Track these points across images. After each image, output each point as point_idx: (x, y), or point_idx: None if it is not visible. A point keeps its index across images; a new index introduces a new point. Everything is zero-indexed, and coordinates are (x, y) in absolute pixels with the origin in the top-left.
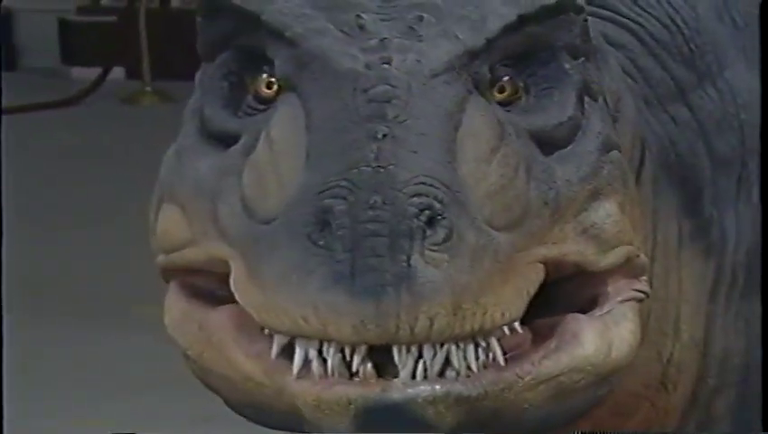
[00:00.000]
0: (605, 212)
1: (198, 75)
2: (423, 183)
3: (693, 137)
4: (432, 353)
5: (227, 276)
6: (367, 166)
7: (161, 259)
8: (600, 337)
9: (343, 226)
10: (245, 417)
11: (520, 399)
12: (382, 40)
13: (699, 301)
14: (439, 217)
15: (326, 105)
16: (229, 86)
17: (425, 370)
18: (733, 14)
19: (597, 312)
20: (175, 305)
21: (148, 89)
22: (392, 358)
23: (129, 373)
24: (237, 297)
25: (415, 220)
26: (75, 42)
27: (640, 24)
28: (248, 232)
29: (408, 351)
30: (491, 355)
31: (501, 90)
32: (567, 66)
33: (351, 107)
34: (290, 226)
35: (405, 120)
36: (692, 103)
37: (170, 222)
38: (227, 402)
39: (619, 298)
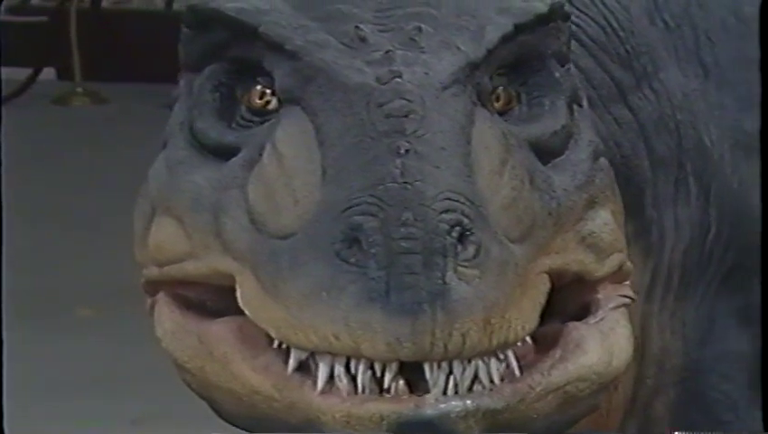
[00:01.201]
0: (602, 221)
1: (181, 85)
2: (450, 199)
3: (635, 138)
4: (461, 368)
5: (224, 288)
6: (393, 182)
7: (153, 271)
8: (601, 346)
9: (377, 243)
10: (244, 429)
11: (531, 409)
12: (387, 52)
13: (636, 301)
14: (468, 233)
15: (338, 120)
16: (219, 97)
17: (455, 385)
18: (664, 15)
19: (591, 319)
20: (168, 317)
21: (79, 89)
22: (420, 373)
23: (61, 375)
24: (248, 312)
25: (447, 236)
26: (5, 42)
27: (577, 26)
28: (260, 247)
29: (440, 367)
30: (507, 368)
31: (497, 100)
32: (557, 74)
33: (367, 122)
34: (315, 242)
35: (424, 135)
36: (632, 104)
37: (165, 236)
38: (223, 414)
39: (611, 305)
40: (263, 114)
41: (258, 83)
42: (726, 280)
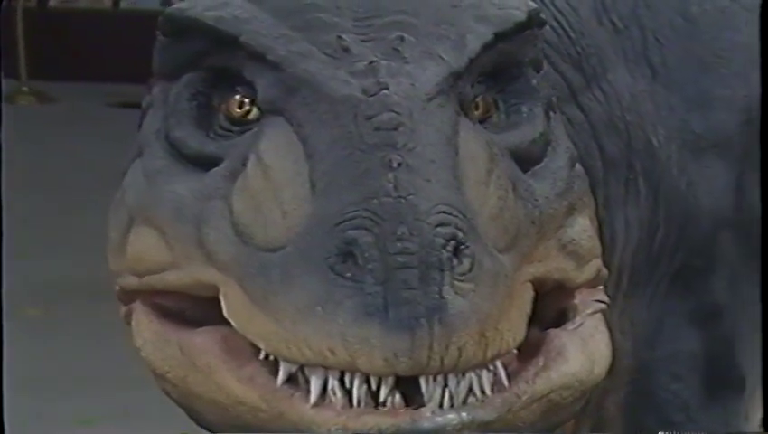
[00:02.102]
0: (580, 228)
1: (154, 92)
2: (443, 212)
3: (587, 139)
4: (456, 381)
5: (203, 298)
6: (387, 196)
7: (131, 281)
8: (582, 353)
9: (373, 258)
10: None
11: (517, 418)
12: (371, 63)
13: None
14: (462, 246)
15: (326, 132)
16: (197, 106)
17: (450, 398)
18: (612, 16)
19: (570, 326)
20: (147, 327)
21: (25, 88)
22: (415, 386)
23: (9, 375)
24: (235, 324)
25: (443, 250)
26: None
27: None
28: (247, 259)
29: (435, 380)
30: (494, 377)
31: (476, 108)
32: (534, 81)
33: (356, 134)
34: (307, 256)
35: (414, 148)
36: (583, 105)
37: (145, 246)
38: (205, 424)
39: (588, 311)
40: (242, 123)
41: (237, 92)
42: (676, 280)
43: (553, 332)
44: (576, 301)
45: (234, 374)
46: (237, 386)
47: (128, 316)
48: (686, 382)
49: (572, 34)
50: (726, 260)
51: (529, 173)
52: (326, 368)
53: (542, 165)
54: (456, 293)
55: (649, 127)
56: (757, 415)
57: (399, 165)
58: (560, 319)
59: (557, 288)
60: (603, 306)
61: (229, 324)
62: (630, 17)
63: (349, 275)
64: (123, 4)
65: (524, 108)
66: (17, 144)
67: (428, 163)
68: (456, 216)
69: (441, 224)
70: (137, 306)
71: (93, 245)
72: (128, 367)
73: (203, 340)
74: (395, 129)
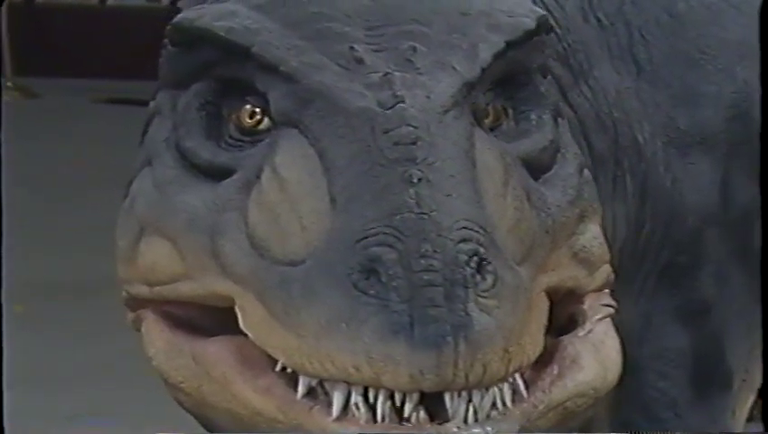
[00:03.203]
0: (591, 235)
1: (158, 100)
2: (465, 228)
3: (577, 135)
4: (480, 396)
5: (214, 308)
6: (410, 213)
7: (142, 290)
8: (595, 360)
9: (397, 276)
10: None
11: (534, 426)
12: (385, 75)
13: None
14: (485, 262)
15: (343, 146)
16: (206, 116)
17: (474, 412)
18: (598, 13)
19: (581, 331)
20: (159, 336)
21: (9, 84)
22: (439, 401)
23: None
24: (254, 336)
25: (466, 267)
26: None
27: None
28: (265, 273)
29: (459, 395)
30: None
31: (487, 116)
32: (542, 88)
33: (374, 148)
34: (329, 272)
35: (434, 162)
36: (572, 101)
37: (158, 256)
38: (218, 432)
39: (597, 316)
40: (253, 134)
41: (247, 102)
42: (662, 278)
43: (566, 339)
44: (585, 306)
45: (250, 385)
46: (253, 397)
47: (136, 323)
48: (673, 379)
49: (558, 30)
50: (713, 257)
51: (540, 180)
52: (349, 383)
53: (552, 172)
54: (481, 310)
55: (635, 124)
56: (744, 412)
57: (420, 180)
58: (570, 325)
59: (567, 294)
60: (611, 310)
61: (241, 333)
62: (616, 14)
63: (373, 292)
64: (110, 1)
65: (533, 116)
66: (2, 139)
67: (448, 177)
68: (478, 231)
69: (463, 240)
70: (148, 315)
71: (78, 242)
72: (113, 364)
73: (217, 350)
74: (414, 144)
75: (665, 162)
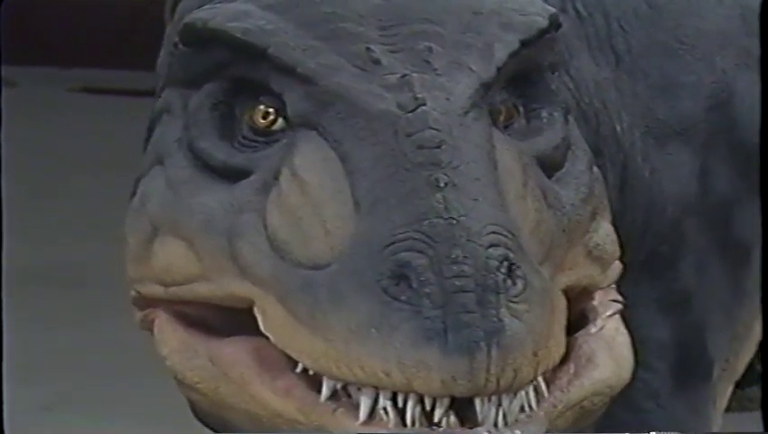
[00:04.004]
0: (604, 232)
1: (166, 98)
2: (494, 233)
3: None
4: (509, 400)
5: (230, 309)
6: (438, 218)
7: (156, 289)
8: (609, 358)
9: (429, 282)
10: None
11: (553, 426)
12: (403, 76)
13: None
14: (515, 267)
15: (366, 149)
16: (219, 116)
17: (503, 416)
18: (576, 4)
19: (592, 328)
20: (173, 335)
21: None
22: (468, 405)
23: None
24: (276, 339)
25: (498, 273)
26: None
27: None
28: (288, 276)
29: (490, 400)
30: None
31: (500, 115)
32: (553, 85)
33: (398, 152)
34: (358, 277)
35: (458, 166)
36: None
37: (173, 257)
38: (230, 431)
39: (608, 313)
40: (267, 134)
41: (261, 102)
42: (643, 268)
43: (580, 337)
44: (595, 302)
45: (269, 387)
46: (273, 398)
47: (145, 322)
48: (655, 370)
49: None
50: (692, 247)
51: (554, 179)
52: (376, 388)
53: (564, 170)
54: (512, 315)
55: (613, 115)
56: (724, 402)
57: (446, 184)
58: (580, 320)
59: (580, 292)
60: (620, 306)
61: (258, 334)
62: (594, 4)
63: (404, 298)
64: None
65: (544, 113)
66: None
67: (473, 181)
68: (506, 235)
69: (493, 245)
70: (160, 314)
71: (56, 232)
72: (89, 354)
73: (234, 351)
74: (438, 147)
75: (643, 152)
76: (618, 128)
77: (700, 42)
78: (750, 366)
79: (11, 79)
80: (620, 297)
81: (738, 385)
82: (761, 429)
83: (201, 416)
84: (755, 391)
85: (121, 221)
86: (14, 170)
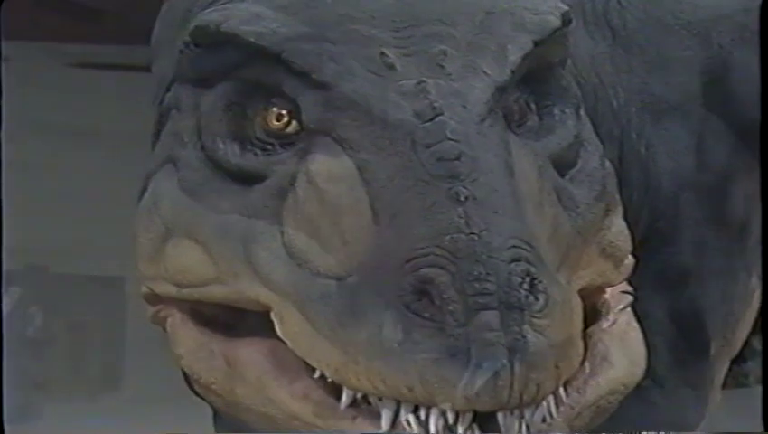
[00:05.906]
0: (617, 229)
1: (175, 95)
2: (515, 247)
3: None
4: (531, 412)
5: (245, 309)
6: (459, 233)
7: (169, 289)
8: (623, 355)
9: (452, 300)
10: None
11: (570, 426)
12: (419, 83)
13: None
14: (536, 281)
15: (384, 160)
16: (232, 117)
17: (527, 428)
18: None
19: (604, 323)
20: (188, 334)
21: None
22: (490, 417)
23: None
24: (294, 347)
25: (521, 290)
26: None
27: None
28: (306, 285)
29: (512, 413)
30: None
31: (513, 114)
32: (564, 82)
33: (417, 163)
34: (379, 291)
35: (477, 178)
36: None
37: (188, 260)
38: (250, 432)
39: (620, 306)
40: (281, 137)
41: (274, 104)
42: (642, 244)
43: (595, 335)
44: (607, 296)
45: (286, 390)
46: (290, 401)
47: (156, 317)
48: (653, 347)
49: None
50: (690, 223)
51: (567, 177)
52: (398, 401)
53: (578, 168)
54: (534, 331)
55: (609, 90)
56: (720, 379)
57: (467, 198)
58: (592, 314)
59: (594, 289)
60: (630, 298)
61: (273, 335)
62: None
63: (427, 315)
64: None
65: (556, 110)
66: None
67: (492, 192)
68: (526, 249)
69: (514, 260)
70: (174, 313)
71: (48, 209)
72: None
73: (250, 353)
74: (457, 159)
75: (639, 128)
76: (615, 104)
77: (696, 17)
78: (746, 342)
79: (5, 53)
80: (630, 289)
81: (734, 361)
82: (757, 404)
83: (220, 414)
84: (751, 367)
85: (116, 195)
86: (15, 145)
